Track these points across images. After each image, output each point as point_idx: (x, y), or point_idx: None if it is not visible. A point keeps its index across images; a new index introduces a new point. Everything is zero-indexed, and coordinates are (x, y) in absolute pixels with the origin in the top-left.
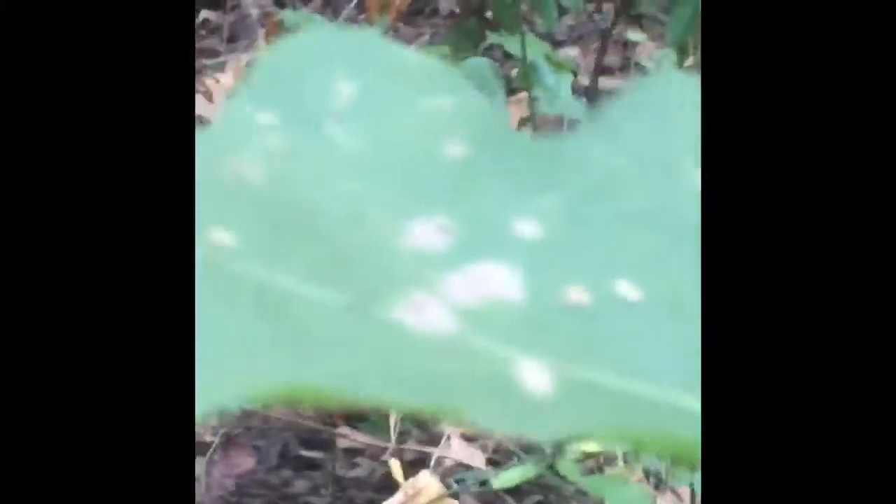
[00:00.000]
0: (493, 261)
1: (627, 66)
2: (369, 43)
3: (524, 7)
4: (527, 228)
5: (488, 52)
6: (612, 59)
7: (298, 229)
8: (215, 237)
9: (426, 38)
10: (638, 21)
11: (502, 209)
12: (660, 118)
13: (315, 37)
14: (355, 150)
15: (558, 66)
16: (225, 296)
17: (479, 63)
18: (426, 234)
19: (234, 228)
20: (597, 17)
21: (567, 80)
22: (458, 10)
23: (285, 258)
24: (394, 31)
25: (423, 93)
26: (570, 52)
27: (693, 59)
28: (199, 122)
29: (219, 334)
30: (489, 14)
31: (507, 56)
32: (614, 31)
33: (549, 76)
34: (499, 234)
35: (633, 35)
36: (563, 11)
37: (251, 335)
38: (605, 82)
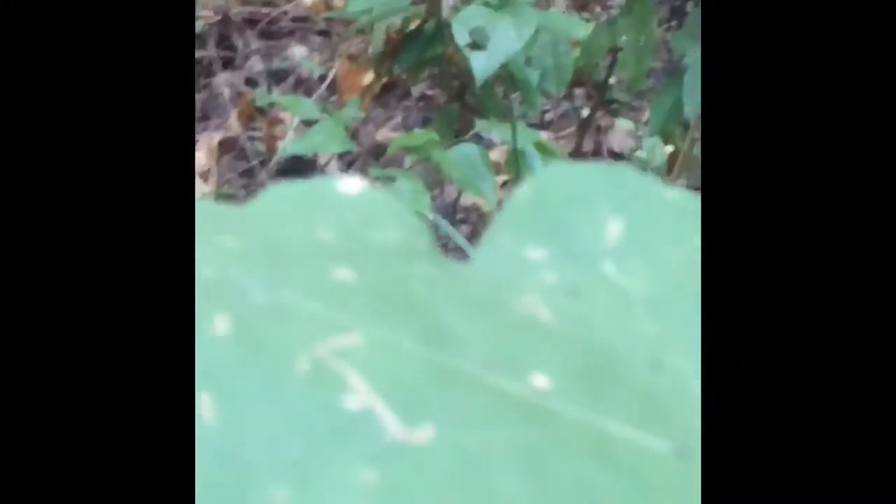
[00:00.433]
0: None
1: (600, 151)
2: (628, 179)
3: (512, 95)
4: None
5: (473, 137)
6: (586, 143)
7: (603, 371)
8: (537, 382)
9: (398, 120)
10: (608, 106)
11: None
12: None
13: (569, 172)
14: (638, 289)
15: (547, 151)
16: (550, 439)
17: (469, 149)
18: None
19: (546, 370)
20: (577, 102)
21: None
22: (431, 94)
23: (599, 401)
24: (365, 113)
25: (693, 231)
26: (545, 136)
27: (676, 147)
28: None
29: (546, 480)
30: (469, 99)
31: (478, 140)
32: (595, 117)
33: (538, 162)
34: None
35: (616, 121)
36: (545, 96)
37: (584, 481)
38: None
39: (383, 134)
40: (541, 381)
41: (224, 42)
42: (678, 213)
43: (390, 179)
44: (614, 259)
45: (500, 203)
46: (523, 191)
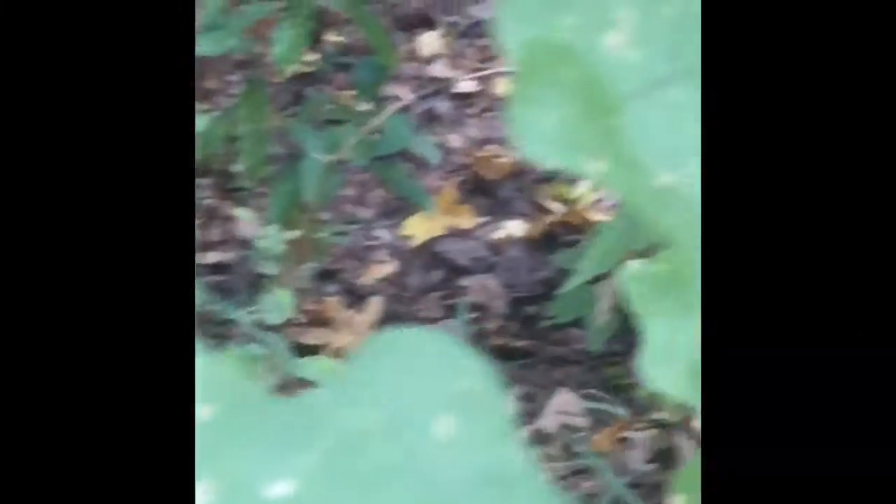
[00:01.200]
0: None
1: (230, 240)
2: None
3: None
4: (282, 488)
5: None
6: (213, 233)
7: None
8: None
9: None
10: (233, 195)
11: (256, 470)
12: (406, 372)
13: None
14: None
15: None
16: None
17: None
18: None
19: None
20: (205, 193)
21: None
22: None
23: None
24: None
25: None
26: None
27: (300, 231)
28: None
29: None
30: None
31: None
32: (222, 206)
33: None
34: (255, 495)
35: (236, 211)
36: None
37: None
38: (211, 257)
39: None
40: None
41: None
42: None
43: None
44: None
45: None
46: None
